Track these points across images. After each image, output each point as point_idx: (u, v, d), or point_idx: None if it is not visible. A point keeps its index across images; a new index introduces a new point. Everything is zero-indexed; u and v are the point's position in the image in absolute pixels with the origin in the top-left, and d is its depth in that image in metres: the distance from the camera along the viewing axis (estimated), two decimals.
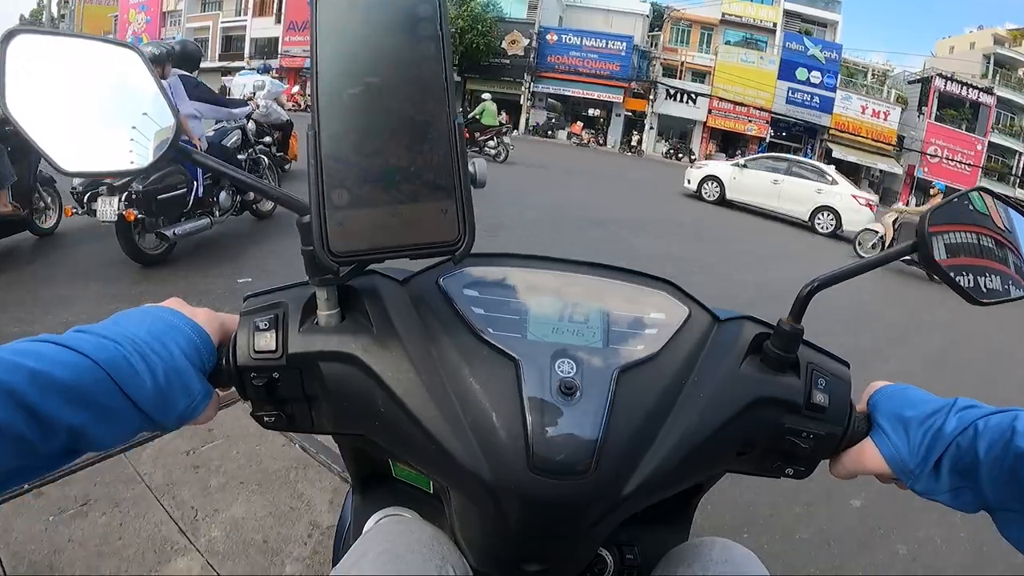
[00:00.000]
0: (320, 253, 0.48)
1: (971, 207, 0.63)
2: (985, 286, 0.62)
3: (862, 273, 0.62)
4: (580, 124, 32.19)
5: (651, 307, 0.64)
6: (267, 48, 40.54)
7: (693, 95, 34.12)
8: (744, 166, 14.26)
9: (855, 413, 0.64)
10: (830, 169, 13.73)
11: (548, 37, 34.20)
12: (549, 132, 33.59)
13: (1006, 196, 0.65)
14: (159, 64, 4.59)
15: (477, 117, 14.84)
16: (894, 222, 10.10)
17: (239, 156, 5.94)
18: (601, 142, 32.50)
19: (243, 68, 11.76)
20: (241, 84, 8.28)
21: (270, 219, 6.36)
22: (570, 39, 34.08)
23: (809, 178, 13.48)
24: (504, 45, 33.93)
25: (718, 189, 14.55)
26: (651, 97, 34.22)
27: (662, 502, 0.64)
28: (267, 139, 7.18)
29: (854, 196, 12.40)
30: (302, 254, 0.54)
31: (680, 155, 30.91)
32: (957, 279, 0.61)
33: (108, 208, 4.11)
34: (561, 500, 0.52)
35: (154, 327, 0.52)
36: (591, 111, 35.22)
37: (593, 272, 0.67)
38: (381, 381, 0.55)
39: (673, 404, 0.57)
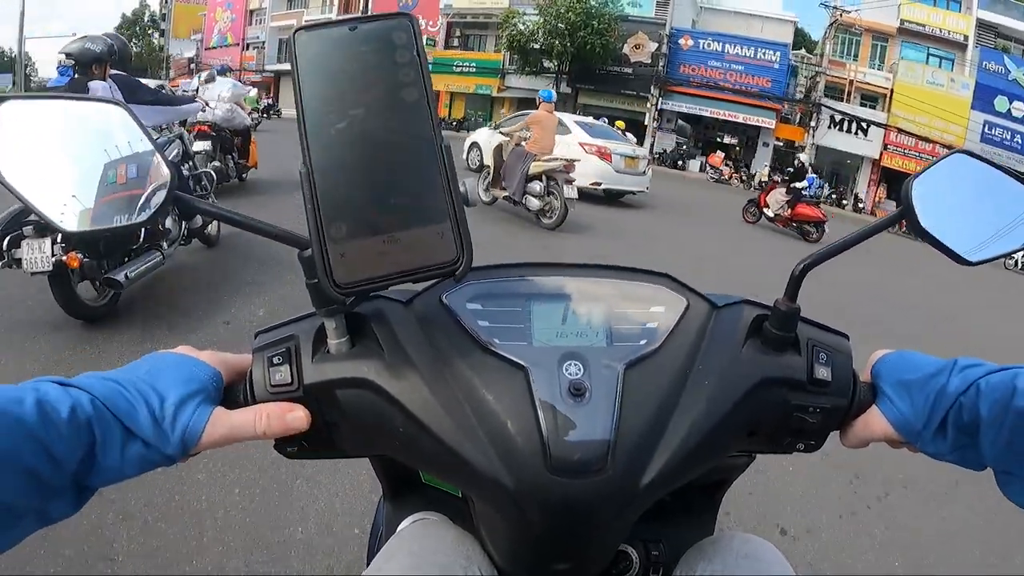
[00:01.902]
0: (326, 286, 0.50)
1: (955, 171, 0.65)
2: (972, 246, 0.64)
3: (853, 246, 0.63)
4: (720, 154, 24.60)
5: (650, 301, 0.65)
6: None
7: (864, 124, 26.40)
8: (498, 127, 12.60)
9: (859, 383, 0.65)
10: (567, 118, 12.60)
11: (681, 41, 27.09)
12: (679, 162, 26.51)
13: (987, 158, 0.67)
14: (100, 64, 4.04)
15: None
16: (498, 149, 8.89)
17: (183, 171, 5.05)
18: (743, 178, 24.46)
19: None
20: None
21: (218, 245, 5.52)
22: (709, 45, 26.91)
23: None
24: (626, 50, 27.09)
25: (479, 157, 13.19)
26: (812, 124, 26.35)
27: (687, 497, 0.69)
28: (205, 145, 6.92)
29: (582, 144, 11.45)
30: (307, 287, 0.55)
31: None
32: (944, 242, 0.63)
33: (38, 255, 3.13)
34: (581, 498, 0.54)
35: (155, 366, 0.54)
36: (724, 138, 27.87)
37: (590, 273, 0.68)
38: (396, 401, 0.57)
39: (680, 394, 0.59)
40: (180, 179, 0.42)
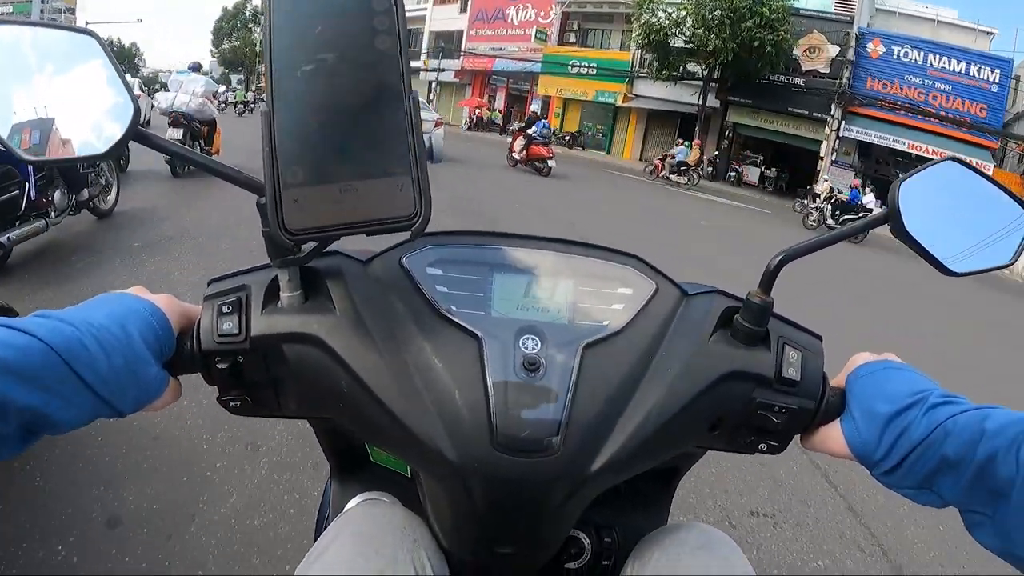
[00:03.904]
0: (275, 231, 0.49)
1: (944, 178, 0.64)
2: (957, 256, 0.64)
3: (832, 244, 0.63)
4: None
5: (618, 282, 0.65)
6: (448, 43, 34.35)
7: None
8: None
9: (829, 388, 0.64)
10: (427, 108, 14.92)
11: (870, 47, 20.55)
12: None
13: (978, 168, 0.65)
14: None
15: None
16: None
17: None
18: None
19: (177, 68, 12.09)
20: (178, 82, 8.81)
21: (111, 218, 5.91)
22: (906, 53, 20.27)
23: None
24: (797, 53, 20.74)
25: None
26: None
27: (640, 485, 0.69)
28: (177, 133, 8.36)
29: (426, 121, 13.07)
30: (263, 235, 0.54)
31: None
32: (929, 249, 0.62)
33: None
34: (527, 478, 0.53)
35: (114, 311, 0.53)
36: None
37: (559, 248, 0.67)
38: (343, 362, 0.56)
39: (640, 379, 0.58)
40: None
